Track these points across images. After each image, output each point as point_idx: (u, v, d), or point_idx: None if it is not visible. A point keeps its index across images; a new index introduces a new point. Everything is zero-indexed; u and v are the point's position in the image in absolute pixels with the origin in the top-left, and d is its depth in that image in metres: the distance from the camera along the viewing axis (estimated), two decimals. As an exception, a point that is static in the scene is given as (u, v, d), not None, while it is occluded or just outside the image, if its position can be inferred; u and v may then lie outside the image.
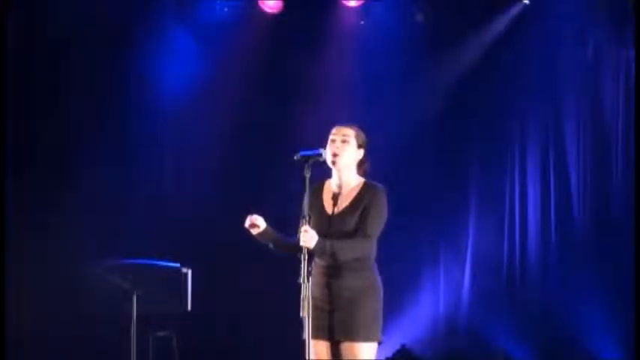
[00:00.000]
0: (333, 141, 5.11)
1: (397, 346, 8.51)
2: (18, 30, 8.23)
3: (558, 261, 8.62)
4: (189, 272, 6.98)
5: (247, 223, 5.10)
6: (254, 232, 5.09)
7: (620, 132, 8.52)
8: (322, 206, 5.12)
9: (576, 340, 8.38)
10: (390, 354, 8.43)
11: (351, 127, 5.15)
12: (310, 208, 4.99)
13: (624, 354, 8.12)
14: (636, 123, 8.10)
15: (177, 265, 6.99)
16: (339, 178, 5.14)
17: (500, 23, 8.72)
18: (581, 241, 8.58)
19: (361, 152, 5.17)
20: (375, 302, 5.07)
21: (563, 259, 8.61)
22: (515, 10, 8.68)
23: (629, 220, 8.10)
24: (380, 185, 5.15)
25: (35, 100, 8.47)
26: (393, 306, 8.32)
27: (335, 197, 5.12)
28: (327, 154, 5.07)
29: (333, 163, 5.10)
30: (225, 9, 8.91)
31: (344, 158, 5.11)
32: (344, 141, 5.10)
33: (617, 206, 8.46)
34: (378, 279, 5.11)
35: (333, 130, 5.15)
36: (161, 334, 7.86)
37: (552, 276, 8.61)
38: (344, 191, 5.13)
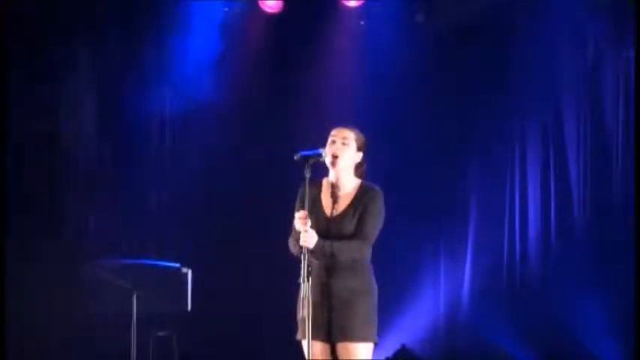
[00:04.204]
0: (334, 142, 5.12)
1: (397, 346, 8.51)
2: (20, 33, 8.27)
3: (558, 261, 8.62)
4: (189, 272, 6.99)
5: (302, 218, 4.93)
6: (304, 228, 4.90)
7: (620, 132, 8.52)
8: (321, 207, 5.12)
9: (577, 339, 8.38)
10: (390, 354, 8.43)
11: (351, 130, 5.16)
12: (308, 206, 5.00)
13: (625, 353, 8.12)
14: (636, 123, 8.10)
15: (177, 265, 7.00)
16: (337, 179, 5.15)
17: (500, 23, 8.72)
18: (581, 241, 8.57)
19: (360, 155, 5.19)
20: (371, 303, 5.09)
21: (563, 259, 8.60)
22: (516, 10, 8.68)
23: (630, 220, 8.09)
24: (377, 187, 5.16)
25: (35, 100, 8.46)
26: (393, 306, 8.35)
27: (333, 199, 5.13)
28: (326, 155, 5.08)
29: (333, 164, 5.10)
30: (226, 9, 8.92)
31: (343, 160, 5.12)
32: (344, 143, 5.12)
33: (617, 206, 8.45)
34: (374, 280, 5.13)
35: (333, 132, 5.15)
36: (161, 334, 7.87)
37: (552, 276, 8.60)
38: (342, 193, 5.14)
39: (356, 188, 5.15)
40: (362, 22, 8.92)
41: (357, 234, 5.06)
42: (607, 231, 8.48)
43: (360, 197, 5.11)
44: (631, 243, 7.86)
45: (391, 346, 8.46)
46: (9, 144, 8.02)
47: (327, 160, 5.10)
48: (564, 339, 8.42)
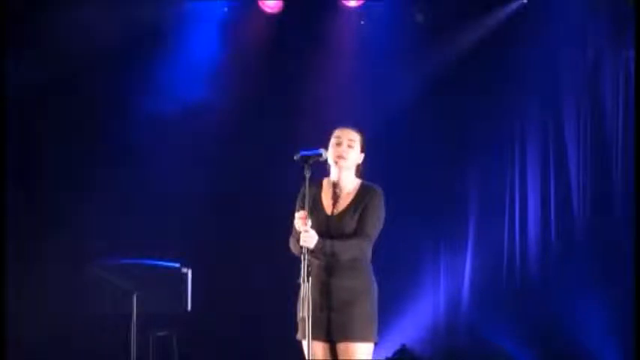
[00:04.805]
0: (339, 144, 5.13)
1: (397, 346, 8.51)
2: (20, 34, 8.27)
3: (558, 261, 8.62)
4: (189, 272, 6.99)
5: (302, 218, 4.95)
6: (304, 228, 4.92)
7: (620, 132, 8.52)
8: (321, 206, 5.13)
9: (576, 339, 8.38)
10: (390, 354, 8.43)
11: (356, 132, 5.18)
12: (309, 206, 5.00)
13: (625, 353, 8.11)
14: (636, 123, 8.10)
15: (177, 265, 6.99)
16: (339, 179, 5.17)
17: (501, 23, 8.73)
18: (581, 241, 8.57)
19: (362, 156, 5.22)
20: (371, 303, 5.10)
21: (563, 258, 8.60)
22: (516, 11, 8.69)
23: (629, 220, 8.10)
24: (377, 186, 5.18)
25: (36, 100, 8.47)
26: (394, 306, 8.34)
27: (334, 198, 5.14)
28: (329, 155, 5.10)
29: (338, 164, 5.12)
30: (225, 9, 8.92)
31: (349, 161, 5.14)
32: (350, 145, 5.14)
33: (617, 206, 8.46)
34: (374, 280, 5.15)
35: (338, 132, 5.16)
36: (161, 334, 7.87)
37: (552, 275, 8.61)
38: (342, 192, 5.16)
39: (357, 188, 5.17)
40: (362, 22, 8.92)
41: (357, 232, 5.07)
42: (607, 231, 8.48)
43: (361, 196, 5.12)
44: (631, 243, 7.86)
45: (391, 346, 8.45)
46: (8, 144, 8.02)
47: (331, 160, 5.11)
48: (564, 339, 8.43)
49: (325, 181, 5.22)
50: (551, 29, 8.59)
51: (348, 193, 5.15)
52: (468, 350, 8.68)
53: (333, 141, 5.15)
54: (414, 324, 8.71)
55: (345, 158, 5.12)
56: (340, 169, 5.15)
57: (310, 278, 4.89)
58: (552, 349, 8.47)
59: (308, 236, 4.90)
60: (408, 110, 8.73)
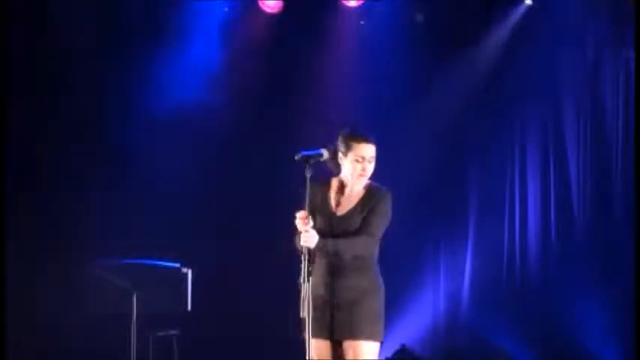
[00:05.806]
0: (359, 161, 5.10)
1: (397, 346, 8.51)
2: (20, 34, 8.28)
3: (558, 261, 8.63)
4: (189, 272, 6.99)
5: (302, 218, 4.95)
6: (304, 228, 4.92)
7: (620, 132, 8.53)
8: (329, 206, 5.13)
9: (576, 339, 8.38)
10: (390, 354, 8.43)
11: (374, 145, 5.14)
12: (316, 206, 5.02)
13: (625, 353, 8.12)
14: (636, 123, 8.10)
15: (177, 265, 7.00)
16: (350, 182, 5.16)
17: (501, 23, 8.73)
18: (581, 241, 8.58)
19: None
20: (377, 302, 5.10)
21: (563, 258, 8.61)
22: (516, 11, 8.69)
23: (629, 220, 8.10)
24: (385, 188, 5.19)
25: (36, 100, 8.47)
26: (394, 306, 8.30)
27: (342, 198, 5.15)
28: (346, 167, 5.10)
29: (357, 179, 5.12)
30: (225, 9, 8.93)
31: (368, 176, 5.15)
32: (370, 162, 5.13)
33: (617, 206, 8.46)
34: (380, 279, 5.14)
35: (359, 150, 5.10)
36: (161, 334, 7.86)
37: (552, 276, 8.61)
38: (351, 193, 5.16)
39: (365, 188, 5.17)
40: (362, 22, 8.93)
41: (363, 230, 5.07)
42: (607, 231, 8.48)
43: (369, 197, 5.13)
44: (631, 243, 7.86)
45: (391, 346, 8.45)
46: (8, 144, 8.02)
47: (348, 173, 5.10)
48: (564, 339, 8.43)
49: (333, 181, 5.22)
50: (551, 29, 8.60)
51: (357, 194, 5.16)
52: (468, 350, 8.68)
53: (352, 157, 5.10)
54: (414, 324, 8.71)
55: (367, 176, 5.14)
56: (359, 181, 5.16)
57: (311, 278, 4.88)
58: (552, 349, 8.47)
59: (308, 236, 4.90)
60: (408, 110, 8.73)
